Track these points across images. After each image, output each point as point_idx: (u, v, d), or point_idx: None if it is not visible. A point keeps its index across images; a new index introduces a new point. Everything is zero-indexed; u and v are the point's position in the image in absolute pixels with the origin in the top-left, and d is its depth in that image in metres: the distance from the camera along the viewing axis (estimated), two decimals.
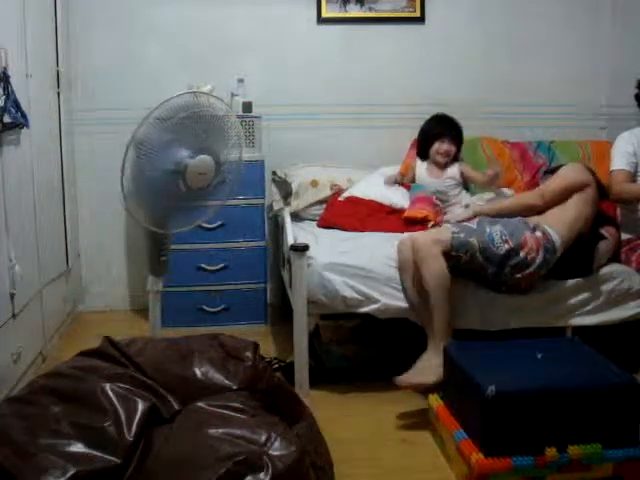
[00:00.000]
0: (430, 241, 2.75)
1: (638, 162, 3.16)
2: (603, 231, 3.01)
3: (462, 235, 2.77)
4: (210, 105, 2.34)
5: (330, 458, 2.17)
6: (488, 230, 2.80)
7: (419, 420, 2.62)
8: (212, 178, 2.42)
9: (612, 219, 3.14)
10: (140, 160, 2.20)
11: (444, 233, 2.81)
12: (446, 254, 2.74)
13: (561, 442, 2.14)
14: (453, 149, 3.53)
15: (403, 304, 2.89)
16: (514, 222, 2.87)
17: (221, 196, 2.59)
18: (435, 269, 2.72)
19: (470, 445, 2.19)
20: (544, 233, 2.84)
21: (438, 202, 3.48)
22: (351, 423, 2.64)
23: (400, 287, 2.90)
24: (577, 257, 2.91)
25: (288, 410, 2.17)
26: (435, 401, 2.52)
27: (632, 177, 3.13)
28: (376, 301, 2.89)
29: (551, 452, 2.12)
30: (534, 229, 2.84)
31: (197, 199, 2.45)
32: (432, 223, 3.26)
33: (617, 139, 3.24)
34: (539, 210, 2.99)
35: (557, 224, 2.89)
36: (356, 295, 2.88)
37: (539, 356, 2.36)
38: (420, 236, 2.83)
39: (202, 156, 2.31)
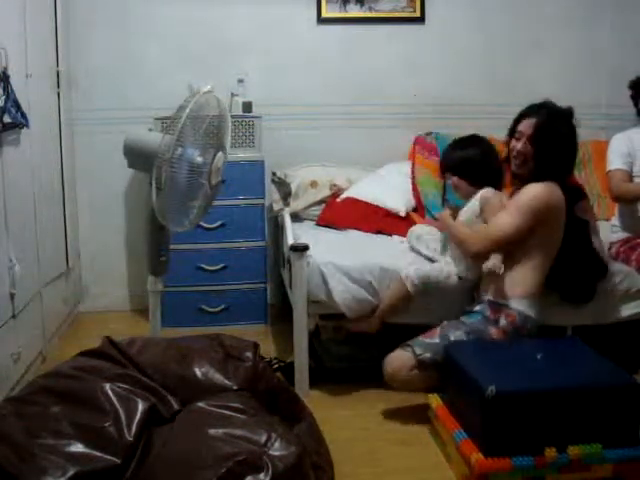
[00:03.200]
0: (396, 370, 2.63)
1: (633, 162, 3.16)
2: (579, 212, 2.86)
3: (428, 355, 2.58)
4: (215, 104, 2.36)
5: (330, 458, 2.17)
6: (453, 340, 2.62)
7: (419, 420, 2.62)
8: (223, 175, 2.46)
9: (580, 190, 3.00)
10: (172, 168, 2.20)
11: (406, 358, 2.61)
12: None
13: (561, 442, 2.14)
14: (461, 184, 2.94)
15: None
16: (476, 324, 2.65)
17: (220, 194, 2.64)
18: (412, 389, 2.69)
19: (470, 445, 2.19)
20: (511, 316, 2.64)
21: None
22: (351, 423, 2.64)
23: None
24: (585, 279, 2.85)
25: (288, 410, 2.18)
26: (435, 401, 2.52)
27: (630, 176, 3.13)
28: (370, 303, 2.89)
29: (551, 452, 2.12)
30: (496, 321, 2.64)
31: (215, 196, 2.47)
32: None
33: (611, 140, 3.24)
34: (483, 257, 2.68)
35: (523, 287, 2.65)
36: (352, 296, 2.88)
37: (539, 356, 2.37)
38: (388, 366, 2.66)
39: (220, 153, 2.35)
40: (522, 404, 2.15)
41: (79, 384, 1.97)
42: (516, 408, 2.14)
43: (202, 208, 2.43)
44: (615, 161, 3.14)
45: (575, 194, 2.86)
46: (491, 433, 2.15)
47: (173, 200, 2.27)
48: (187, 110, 2.20)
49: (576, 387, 2.20)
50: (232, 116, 3.30)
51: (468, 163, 2.93)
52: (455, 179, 2.95)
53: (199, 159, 2.27)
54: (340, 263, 2.89)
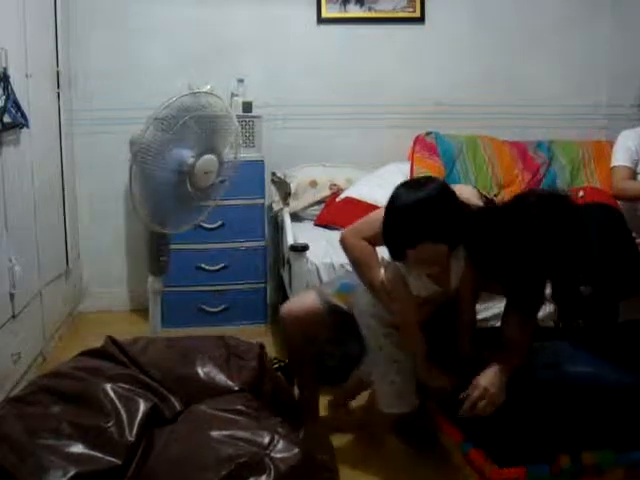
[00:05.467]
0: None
1: (639, 160, 3.15)
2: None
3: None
4: (212, 105, 2.35)
5: (334, 460, 2.16)
6: None
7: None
8: (215, 177, 2.43)
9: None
10: (146, 163, 2.20)
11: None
12: None
13: (574, 449, 2.08)
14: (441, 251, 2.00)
15: None
16: None
17: (220, 194, 2.60)
18: None
19: (481, 455, 2.12)
20: None
21: None
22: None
23: None
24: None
25: (293, 412, 2.17)
26: (434, 409, 2.43)
27: (633, 174, 3.13)
28: None
29: (565, 459, 2.07)
30: None
31: (202, 198, 2.46)
32: None
33: (619, 135, 3.22)
34: None
35: None
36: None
37: (543, 360, 2.32)
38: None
39: (208, 155, 2.33)
40: (536, 411, 2.09)
41: (80, 384, 1.97)
42: (529, 415, 2.09)
43: (187, 210, 2.40)
44: (620, 157, 3.14)
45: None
46: (504, 442, 2.09)
47: (146, 197, 2.26)
48: (162, 107, 2.19)
49: (590, 391, 2.15)
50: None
51: (445, 219, 1.96)
52: (432, 248, 1.95)
53: (183, 158, 2.25)
54: (338, 263, 2.89)
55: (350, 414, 2.61)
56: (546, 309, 2.92)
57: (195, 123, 2.30)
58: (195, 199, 2.41)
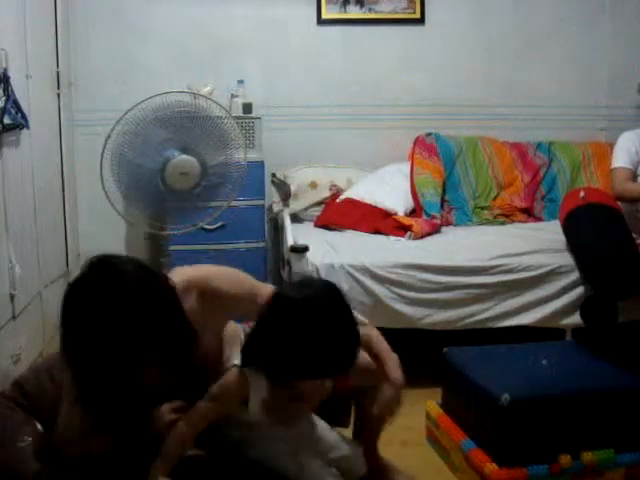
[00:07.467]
0: None
1: None
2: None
3: None
4: (202, 107, 2.31)
5: None
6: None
7: (420, 423, 2.60)
8: (197, 180, 2.34)
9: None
10: (122, 153, 2.17)
11: None
12: None
13: (574, 448, 2.08)
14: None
15: (402, 308, 2.88)
16: None
17: (215, 198, 2.53)
18: None
19: (481, 455, 2.12)
20: None
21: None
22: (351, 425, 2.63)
23: (400, 291, 2.89)
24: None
25: None
26: (434, 409, 2.46)
27: (633, 175, 3.13)
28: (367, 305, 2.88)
29: (565, 459, 2.07)
30: None
31: (180, 200, 2.38)
32: (411, 233, 3.28)
33: (620, 137, 3.22)
34: None
35: None
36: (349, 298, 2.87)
37: (544, 361, 2.32)
38: None
39: (184, 156, 2.26)
40: (537, 411, 2.09)
41: None
42: (530, 415, 2.08)
43: (163, 209, 2.34)
44: (621, 159, 3.13)
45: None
46: (505, 442, 2.08)
47: (125, 187, 2.20)
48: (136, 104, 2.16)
49: (590, 391, 2.15)
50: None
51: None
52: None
53: (158, 155, 2.21)
54: (338, 264, 2.89)
55: None
56: (545, 310, 2.95)
57: (176, 122, 2.25)
58: (172, 199, 2.34)
